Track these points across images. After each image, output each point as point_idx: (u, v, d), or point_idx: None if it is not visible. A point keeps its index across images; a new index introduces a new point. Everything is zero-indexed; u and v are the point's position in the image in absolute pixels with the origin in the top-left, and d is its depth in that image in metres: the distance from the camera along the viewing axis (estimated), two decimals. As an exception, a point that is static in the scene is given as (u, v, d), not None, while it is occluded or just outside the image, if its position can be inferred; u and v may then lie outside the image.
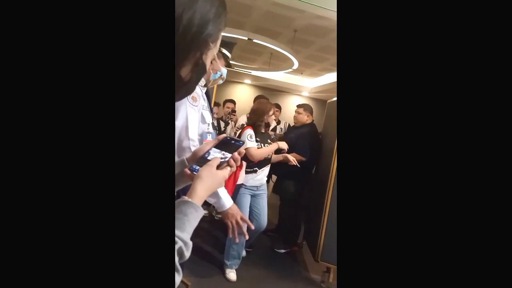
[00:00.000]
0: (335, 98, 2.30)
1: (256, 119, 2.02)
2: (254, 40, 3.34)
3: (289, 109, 6.76)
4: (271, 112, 2.03)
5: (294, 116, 2.70)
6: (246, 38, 3.28)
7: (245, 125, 2.15)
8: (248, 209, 2.01)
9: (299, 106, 2.72)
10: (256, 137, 1.98)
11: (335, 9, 2.44)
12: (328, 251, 2.01)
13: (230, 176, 1.77)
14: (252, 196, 2.04)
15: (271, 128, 2.20)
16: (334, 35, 3.89)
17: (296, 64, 4.26)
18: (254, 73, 6.52)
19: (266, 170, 2.07)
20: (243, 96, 7.59)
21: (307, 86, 7.52)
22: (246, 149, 1.86)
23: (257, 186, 2.03)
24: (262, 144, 2.00)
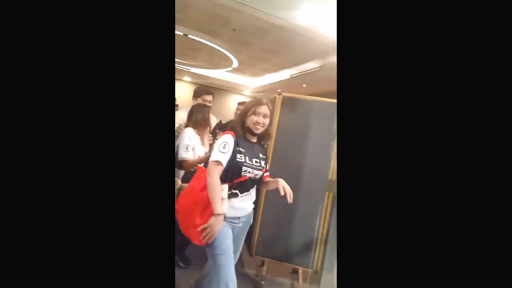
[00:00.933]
0: (274, 95, 2.36)
1: (238, 121, 1.35)
2: (190, 36, 3.27)
3: (231, 107, 6.80)
4: (249, 112, 1.31)
5: (235, 113, 2.72)
6: (182, 34, 3.19)
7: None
8: (231, 248, 1.29)
9: (240, 103, 2.74)
10: (240, 147, 1.29)
11: (271, 12, 2.53)
12: (262, 246, 2.08)
13: (206, 206, 1.21)
14: (233, 229, 1.32)
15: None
16: (273, 36, 4.03)
17: (235, 63, 4.29)
18: (194, 70, 6.37)
19: (252, 194, 1.35)
20: (182, 94, 7.36)
21: (249, 86, 7.64)
22: (209, 162, 1.24)
23: (239, 217, 1.32)
24: (246, 158, 1.29)
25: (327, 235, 1.99)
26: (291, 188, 1.29)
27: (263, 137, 1.39)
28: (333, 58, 4.25)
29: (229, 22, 3.63)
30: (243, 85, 7.70)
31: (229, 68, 5.08)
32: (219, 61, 5.36)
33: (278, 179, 1.35)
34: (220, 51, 3.87)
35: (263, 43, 4.33)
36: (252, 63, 5.69)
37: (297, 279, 2.17)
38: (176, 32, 3.11)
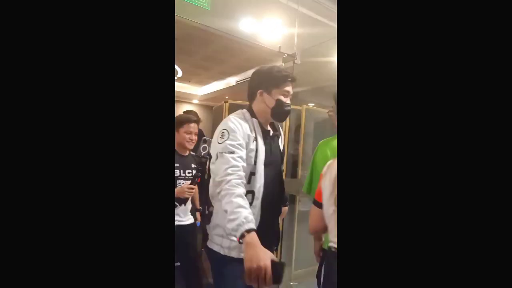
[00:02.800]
0: (221, 103, 2.42)
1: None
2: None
3: (180, 117, 6.67)
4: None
5: None
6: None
7: None
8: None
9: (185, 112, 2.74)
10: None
11: (210, 25, 2.60)
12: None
13: None
14: None
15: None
16: (214, 46, 4.10)
17: (180, 72, 4.26)
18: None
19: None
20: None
21: (196, 94, 7.59)
22: None
23: None
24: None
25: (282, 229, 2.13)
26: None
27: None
28: (277, 63, 4.48)
29: (169, 33, 3.62)
30: (190, 93, 7.62)
31: (175, 78, 5.00)
32: (162, 71, 5.24)
33: None
34: (163, 62, 3.81)
35: (206, 52, 4.37)
36: (196, 72, 5.68)
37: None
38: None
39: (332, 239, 0.85)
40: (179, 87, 7.34)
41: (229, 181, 0.85)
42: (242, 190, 0.87)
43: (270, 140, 1.10)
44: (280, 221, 1.27)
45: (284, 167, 2.31)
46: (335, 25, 2.40)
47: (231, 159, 0.90)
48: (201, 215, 1.70)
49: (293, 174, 2.52)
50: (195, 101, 8.23)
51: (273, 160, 1.08)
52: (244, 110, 1.12)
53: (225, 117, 2.22)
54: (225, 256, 0.99)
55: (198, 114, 2.80)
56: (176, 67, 4.00)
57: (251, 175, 0.97)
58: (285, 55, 2.52)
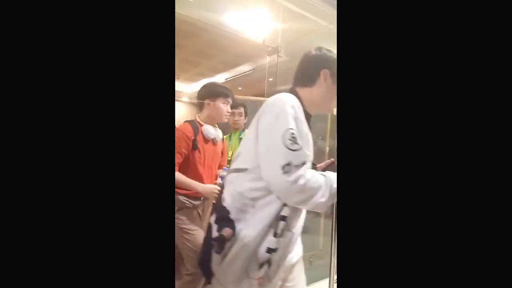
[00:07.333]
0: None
1: None
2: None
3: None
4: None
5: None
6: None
7: None
8: None
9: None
10: None
11: (195, 16, 2.60)
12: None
13: None
14: None
15: None
16: (202, 39, 4.09)
17: (167, 68, 4.24)
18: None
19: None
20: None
21: (186, 92, 7.54)
22: None
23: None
24: None
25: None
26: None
27: None
28: (264, 60, 4.50)
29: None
30: (179, 91, 7.58)
31: (162, 74, 4.97)
32: (150, 67, 5.22)
33: None
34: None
35: (194, 46, 4.37)
36: (185, 68, 5.66)
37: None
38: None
39: None
40: (169, 83, 7.29)
41: None
42: None
43: None
44: None
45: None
46: (319, 20, 2.43)
47: None
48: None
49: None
50: (185, 98, 8.17)
51: None
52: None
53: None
54: None
55: (189, 113, 2.63)
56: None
57: None
58: (270, 48, 2.54)
